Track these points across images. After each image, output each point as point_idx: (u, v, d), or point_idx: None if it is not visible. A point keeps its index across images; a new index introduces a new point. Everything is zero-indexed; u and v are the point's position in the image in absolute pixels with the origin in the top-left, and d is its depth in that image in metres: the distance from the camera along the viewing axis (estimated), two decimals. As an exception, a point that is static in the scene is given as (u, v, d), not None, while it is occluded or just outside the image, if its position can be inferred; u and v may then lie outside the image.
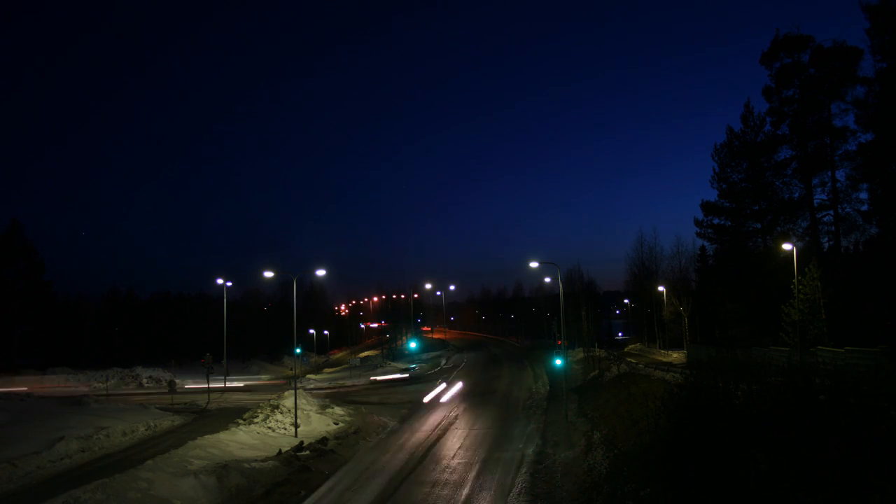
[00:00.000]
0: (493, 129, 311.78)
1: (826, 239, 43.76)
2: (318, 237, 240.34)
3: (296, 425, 28.72)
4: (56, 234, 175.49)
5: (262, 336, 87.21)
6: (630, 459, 15.91)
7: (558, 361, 34.37)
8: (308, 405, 32.95)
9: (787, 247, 34.66)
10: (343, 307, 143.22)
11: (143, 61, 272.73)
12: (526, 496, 17.44)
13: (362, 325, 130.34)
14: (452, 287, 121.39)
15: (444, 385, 44.18)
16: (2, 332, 61.18)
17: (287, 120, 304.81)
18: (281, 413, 30.20)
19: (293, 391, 30.86)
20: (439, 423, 29.96)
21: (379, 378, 58.17)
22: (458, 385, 43.71)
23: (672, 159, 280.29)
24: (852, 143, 40.92)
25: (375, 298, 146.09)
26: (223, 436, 25.84)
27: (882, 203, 34.95)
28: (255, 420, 29.27)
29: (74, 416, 29.44)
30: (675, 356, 55.57)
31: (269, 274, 34.57)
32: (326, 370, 76.19)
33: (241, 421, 29.26)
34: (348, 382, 56.09)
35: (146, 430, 29.10)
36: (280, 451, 23.88)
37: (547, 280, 68.25)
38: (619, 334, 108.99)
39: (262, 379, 64.09)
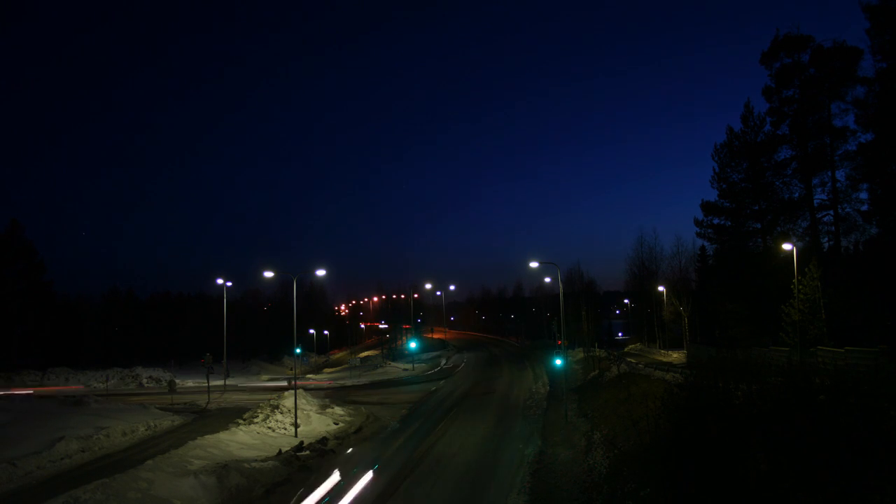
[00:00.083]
0: (493, 131, 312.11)
1: (826, 239, 43.78)
2: (319, 237, 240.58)
3: (296, 425, 28.72)
4: (56, 234, 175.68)
5: (262, 336, 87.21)
6: (630, 459, 15.92)
7: (558, 361, 34.36)
8: (308, 405, 32.95)
9: (787, 247, 34.65)
10: (343, 307, 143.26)
11: (145, 61, 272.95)
12: (526, 496, 17.44)
13: (362, 325, 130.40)
14: (452, 287, 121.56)
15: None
16: (2, 332, 61.15)
17: (287, 121, 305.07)
18: (281, 413, 30.20)
19: (293, 391, 30.87)
20: (440, 423, 29.96)
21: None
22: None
23: (672, 159, 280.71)
24: (852, 143, 40.98)
25: (375, 298, 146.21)
26: (223, 436, 25.84)
27: (882, 203, 34.94)
28: (255, 420, 29.27)
29: (74, 416, 29.43)
30: (675, 356, 55.56)
31: (269, 274, 34.57)
32: (326, 370, 76.18)
33: (241, 421, 29.26)
34: (348, 382, 56.10)
35: (146, 430, 29.10)
36: (280, 451, 23.88)
37: (547, 280, 68.37)
38: (619, 334, 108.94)
39: (262, 379, 64.12)
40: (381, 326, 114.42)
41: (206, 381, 42.92)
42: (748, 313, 42.63)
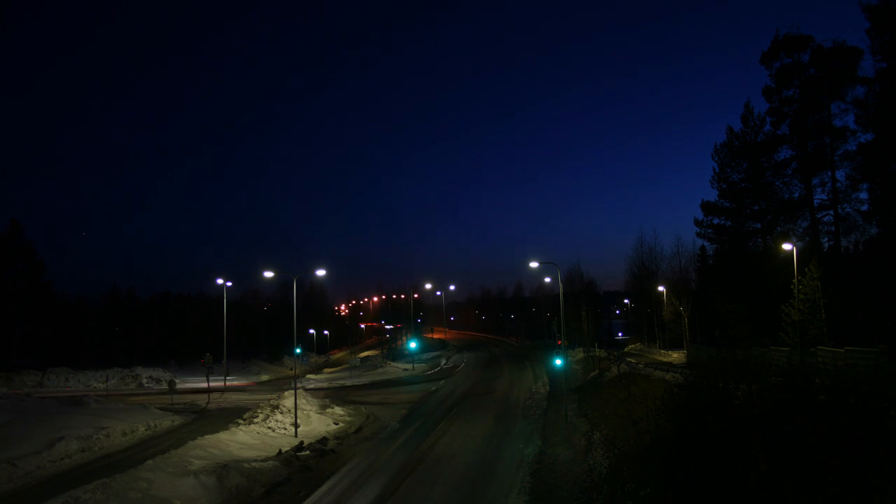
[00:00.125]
0: (494, 132, 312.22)
1: (826, 239, 43.74)
2: (319, 237, 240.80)
3: (296, 425, 28.71)
4: (56, 234, 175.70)
5: (262, 336, 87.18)
6: (630, 459, 15.92)
7: (558, 361, 34.35)
8: (308, 405, 32.95)
9: (787, 247, 34.63)
10: (343, 307, 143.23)
11: (146, 63, 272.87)
12: (526, 496, 17.45)
13: (362, 326, 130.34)
14: (452, 287, 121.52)
15: None
16: (2, 332, 61.07)
17: (289, 123, 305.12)
18: (281, 413, 30.19)
19: (293, 391, 30.86)
20: (440, 423, 29.95)
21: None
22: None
23: (672, 159, 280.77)
24: (852, 143, 40.93)
25: (375, 298, 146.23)
26: (223, 436, 25.84)
27: (882, 203, 34.92)
28: (255, 420, 29.26)
29: (74, 416, 29.41)
30: (675, 356, 55.54)
31: (269, 274, 34.55)
32: (326, 370, 76.12)
33: (241, 421, 29.26)
34: (348, 382, 56.07)
35: (146, 430, 29.10)
36: (280, 451, 23.88)
37: (547, 280, 68.34)
38: (619, 334, 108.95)
39: (263, 377, 64.11)
40: (387, 327, 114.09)
41: (206, 381, 42.92)
42: (748, 313, 42.61)
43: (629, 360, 45.85)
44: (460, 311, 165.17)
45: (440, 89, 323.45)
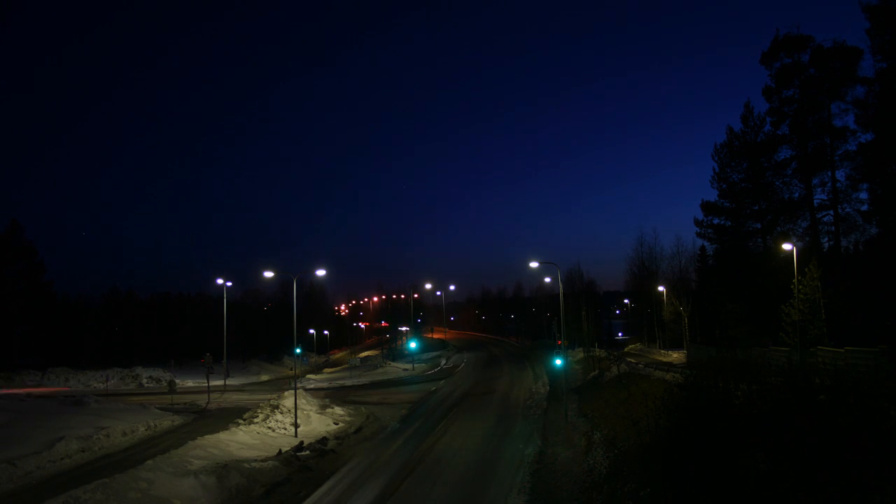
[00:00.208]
0: (494, 132, 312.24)
1: (826, 239, 43.72)
2: (319, 237, 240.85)
3: (296, 425, 28.71)
4: (56, 234, 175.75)
5: (262, 336, 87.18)
6: (630, 459, 15.92)
7: (558, 361, 34.34)
8: (308, 405, 32.95)
9: (787, 247, 34.61)
10: (343, 307, 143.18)
11: (145, 62, 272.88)
12: (526, 496, 17.45)
13: (362, 325, 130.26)
14: (452, 287, 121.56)
15: None
16: (2, 332, 61.09)
17: (288, 121, 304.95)
18: (281, 413, 30.19)
19: (293, 391, 30.86)
20: (440, 423, 29.95)
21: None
22: None
23: (672, 159, 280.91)
24: (852, 143, 40.90)
25: (375, 298, 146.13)
26: (223, 436, 25.83)
27: (882, 203, 34.90)
28: (255, 420, 29.26)
29: (74, 416, 29.42)
30: (675, 356, 55.53)
31: (269, 274, 34.55)
32: (326, 370, 76.14)
33: (241, 421, 29.25)
34: (348, 382, 56.07)
35: (146, 430, 29.09)
36: (280, 451, 23.88)
37: (547, 280, 68.25)
38: (619, 334, 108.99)
39: (263, 377, 64.10)
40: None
41: (206, 381, 42.92)
42: (748, 313, 42.60)
43: (629, 360, 45.85)
44: (460, 311, 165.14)
45: (440, 88, 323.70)
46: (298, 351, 48.96)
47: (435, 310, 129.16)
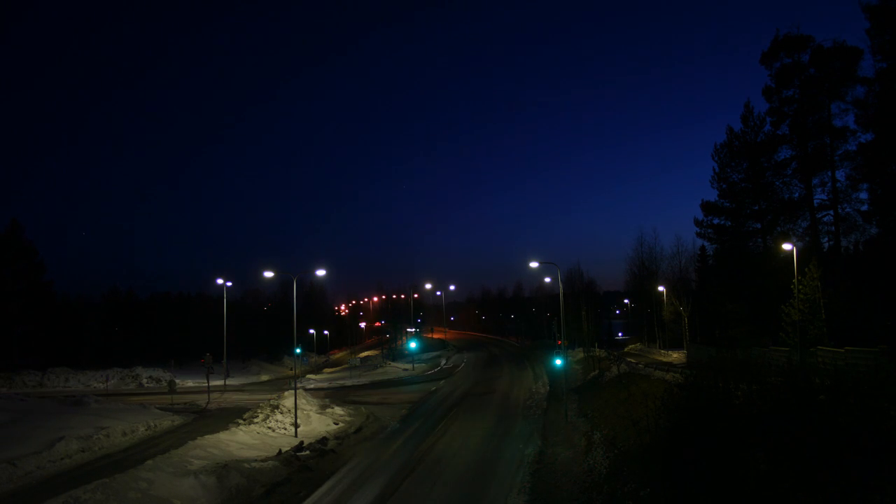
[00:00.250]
0: (494, 132, 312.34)
1: (826, 239, 43.72)
2: (319, 237, 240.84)
3: (296, 425, 28.71)
4: (56, 234, 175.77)
5: (262, 336, 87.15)
6: (630, 459, 15.92)
7: (558, 361, 34.34)
8: (308, 405, 32.94)
9: (787, 247, 34.61)
10: (343, 307, 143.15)
11: (146, 62, 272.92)
12: (526, 496, 17.45)
13: (362, 325, 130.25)
14: (452, 287, 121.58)
15: None
16: (2, 332, 61.06)
17: (289, 123, 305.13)
18: (281, 413, 30.19)
19: (293, 391, 30.85)
20: (440, 423, 29.95)
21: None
22: None
23: (672, 159, 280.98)
24: (852, 143, 40.89)
25: (375, 298, 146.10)
26: (223, 436, 25.83)
27: (882, 203, 34.89)
28: (255, 420, 29.26)
29: (74, 416, 29.42)
30: (675, 356, 55.52)
31: (269, 274, 34.55)
32: (326, 370, 76.12)
33: (241, 421, 29.25)
34: (348, 382, 56.06)
35: (146, 430, 29.09)
36: (280, 451, 23.88)
37: (547, 280, 68.29)
38: (619, 334, 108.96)
39: (263, 377, 64.08)
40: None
41: (206, 381, 42.91)
42: (748, 313, 42.61)
43: (629, 360, 45.84)
44: (460, 311, 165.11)
45: (440, 89, 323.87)
46: (298, 351, 48.94)
47: (435, 310, 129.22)
